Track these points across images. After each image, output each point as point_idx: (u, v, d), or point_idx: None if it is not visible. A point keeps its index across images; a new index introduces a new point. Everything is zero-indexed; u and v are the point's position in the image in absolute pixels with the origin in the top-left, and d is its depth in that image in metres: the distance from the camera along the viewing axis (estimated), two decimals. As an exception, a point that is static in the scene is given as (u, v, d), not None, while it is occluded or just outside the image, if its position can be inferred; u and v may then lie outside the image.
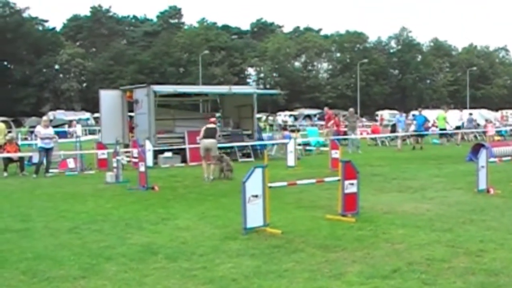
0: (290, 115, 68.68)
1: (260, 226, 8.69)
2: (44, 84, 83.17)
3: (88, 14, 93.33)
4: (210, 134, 16.45)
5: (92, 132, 43.22)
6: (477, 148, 17.53)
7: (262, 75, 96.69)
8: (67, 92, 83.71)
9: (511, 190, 12.48)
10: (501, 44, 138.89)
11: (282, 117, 65.48)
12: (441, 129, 30.21)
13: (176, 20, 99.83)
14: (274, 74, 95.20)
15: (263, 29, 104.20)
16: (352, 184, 9.70)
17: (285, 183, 10.40)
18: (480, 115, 38.94)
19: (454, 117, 33.91)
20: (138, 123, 21.83)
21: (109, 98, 23.04)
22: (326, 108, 30.25)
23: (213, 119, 17.71)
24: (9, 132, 24.70)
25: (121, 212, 10.95)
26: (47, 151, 18.20)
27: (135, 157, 17.71)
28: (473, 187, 12.48)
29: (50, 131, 18.87)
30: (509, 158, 19.69)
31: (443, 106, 36.36)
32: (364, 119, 58.93)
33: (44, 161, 18.14)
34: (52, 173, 18.21)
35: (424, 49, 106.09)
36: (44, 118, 20.15)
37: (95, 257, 7.47)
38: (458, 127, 32.93)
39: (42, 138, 18.31)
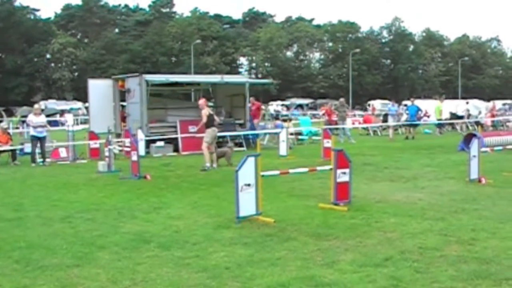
0: (282, 105, 68.50)
1: (253, 215, 8.71)
2: (36, 74, 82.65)
3: (80, 3, 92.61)
4: (214, 121, 16.57)
5: (84, 122, 43.02)
6: (468, 138, 17.56)
7: (254, 64, 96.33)
8: (59, 82, 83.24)
9: (502, 180, 12.54)
10: (493, 34, 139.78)
11: (275, 106, 65.24)
12: (438, 119, 30.25)
13: (168, 10, 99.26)
14: (266, 64, 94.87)
15: (255, 18, 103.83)
16: (344, 173, 9.73)
17: (277, 172, 10.41)
18: (473, 105, 38.92)
19: (448, 108, 33.89)
20: (130, 112, 21.78)
21: (98, 87, 22.92)
22: (251, 98, 25.68)
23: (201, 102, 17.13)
24: (0, 121, 24.61)
25: (114, 201, 10.96)
26: (40, 140, 18.10)
27: (127, 146, 17.65)
28: (465, 176, 12.53)
29: (42, 119, 18.76)
30: (501, 148, 19.75)
31: (439, 97, 36.25)
32: (355, 111, 58.62)
33: (38, 151, 18.05)
34: (47, 162, 18.15)
35: (416, 39, 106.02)
36: (36, 106, 19.93)
37: (88, 246, 7.48)
38: (460, 117, 32.94)
39: (34, 127, 18.21)
